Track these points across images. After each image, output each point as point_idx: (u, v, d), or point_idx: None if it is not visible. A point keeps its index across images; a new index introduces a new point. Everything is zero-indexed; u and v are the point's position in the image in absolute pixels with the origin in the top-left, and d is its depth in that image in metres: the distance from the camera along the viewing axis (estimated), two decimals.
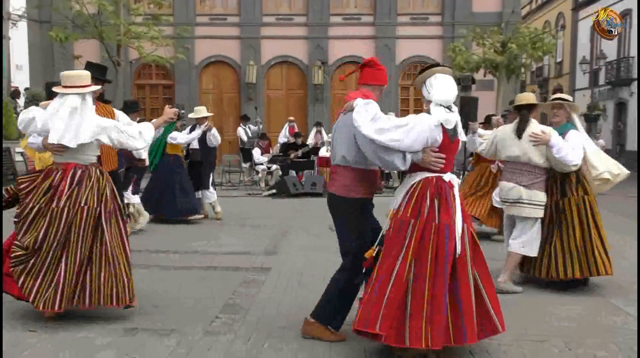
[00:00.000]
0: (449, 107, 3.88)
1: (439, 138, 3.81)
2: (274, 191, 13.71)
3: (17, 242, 4.51)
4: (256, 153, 15.59)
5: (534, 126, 5.39)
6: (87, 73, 4.72)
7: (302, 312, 4.89)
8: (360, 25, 22.10)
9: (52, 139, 4.44)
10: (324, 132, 17.32)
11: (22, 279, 4.46)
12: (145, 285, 5.71)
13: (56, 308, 4.38)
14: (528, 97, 5.71)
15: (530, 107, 5.57)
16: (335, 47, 22.04)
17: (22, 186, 4.57)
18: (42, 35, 20.52)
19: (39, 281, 4.42)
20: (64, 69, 20.45)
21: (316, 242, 7.95)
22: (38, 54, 21.59)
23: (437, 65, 4.11)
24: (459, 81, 17.55)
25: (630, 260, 6.82)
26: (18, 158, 15.38)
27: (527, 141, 5.39)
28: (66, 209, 4.42)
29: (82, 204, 4.45)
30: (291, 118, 18.49)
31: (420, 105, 22.25)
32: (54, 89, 4.63)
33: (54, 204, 4.43)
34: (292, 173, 14.43)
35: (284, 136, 17.49)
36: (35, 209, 4.47)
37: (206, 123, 9.61)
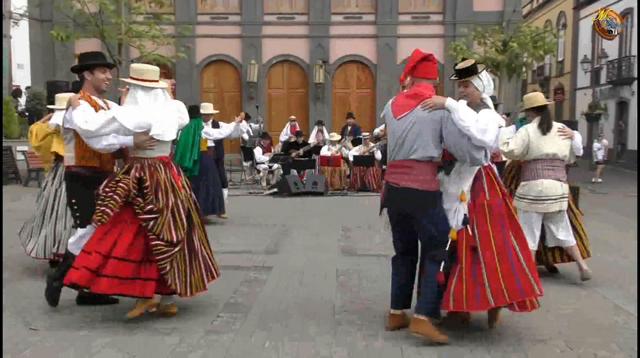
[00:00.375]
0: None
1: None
2: (275, 190, 13.72)
3: (160, 241, 4.43)
4: (257, 151, 15.59)
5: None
6: (156, 68, 4.71)
7: (303, 311, 4.90)
8: (362, 24, 22.10)
9: (157, 133, 4.47)
10: (325, 131, 17.32)
11: (172, 276, 4.51)
12: None
13: (189, 293, 4.65)
14: (542, 97, 5.91)
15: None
16: (337, 46, 22.03)
17: (145, 185, 4.49)
18: (44, 34, 20.54)
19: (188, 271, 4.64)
20: (65, 68, 20.59)
21: (317, 241, 7.96)
22: (39, 53, 21.61)
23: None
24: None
25: (630, 258, 6.82)
26: (19, 156, 15.40)
27: (557, 137, 5.62)
28: (186, 199, 4.66)
29: (190, 193, 4.77)
30: (292, 117, 18.49)
31: None
32: (129, 81, 4.58)
33: (182, 196, 4.60)
34: (294, 172, 14.43)
35: (285, 135, 17.50)
36: (171, 203, 4.53)
37: (240, 115, 9.94)
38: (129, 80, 4.57)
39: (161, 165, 4.58)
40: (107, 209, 4.41)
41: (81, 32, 17.64)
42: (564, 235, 5.76)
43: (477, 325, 4.58)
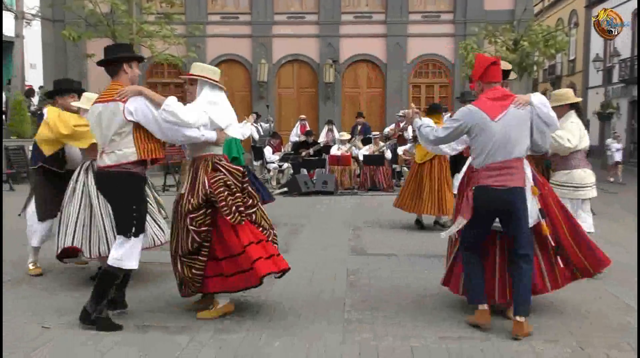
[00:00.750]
0: None
1: None
2: (285, 189, 13.73)
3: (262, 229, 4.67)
4: (267, 151, 15.62)
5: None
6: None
7: (313, 310, 4.91)
8: (372, 24, 22.05)
9: (234, 130, 4.65)
10: (335, 130, 17.31)
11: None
12: (156, 282, 5.75)
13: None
14: (573, 94, 6.23)
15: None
16: (347, 45, 22.01)
17: (245, 179, 4.65)
18: (56, 34, 20.66)
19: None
20: (77, 67, 20.75)
21: (327, 240, 7.96)
22: (51, 53, 21.75)
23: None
24: (470, 80, 17.54)
25: None
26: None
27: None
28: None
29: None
30: (302, 116, 18.49)
31: (430, 103, 22.18)
32: (204, 79, 4.65)
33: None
34: (304, 171, 14.44)
35: (295, 135, 17.50)
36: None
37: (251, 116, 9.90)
38: (203, 78, 4.62)
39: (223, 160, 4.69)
40: (241, 208, 4.48)
41: (93, 32, 17.74)
42: (590, 222, 6.07)
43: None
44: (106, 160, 4.35)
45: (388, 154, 14.53)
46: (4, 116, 17.98)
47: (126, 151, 4.32)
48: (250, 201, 4.63)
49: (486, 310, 4.49)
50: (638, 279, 5.02)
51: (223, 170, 4.54)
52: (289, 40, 22.00)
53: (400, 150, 14.71)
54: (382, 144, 14.94)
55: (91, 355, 3.98)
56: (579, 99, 6.18)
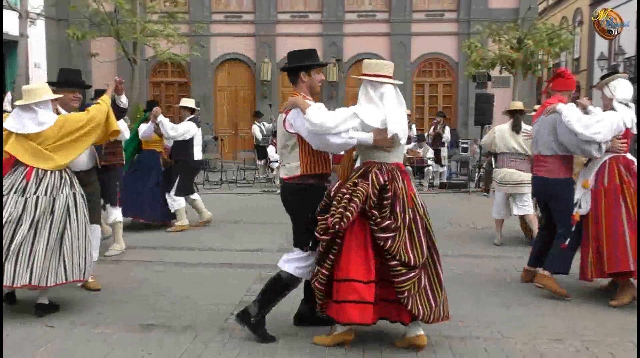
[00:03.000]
0: (627, 104, 5.17)
1: (623, 128, 5.11)
2: None
3: (397, 262, 3.86)
4: (271, 150, 15.60)
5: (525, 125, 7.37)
6: (391, 63, 4.39)
7: None
8: (375, 22, 22.03)
9: (396, 133, 3.93)
10: None
11: (415, 299, 3.91)
12: (160, 281, 5.76)
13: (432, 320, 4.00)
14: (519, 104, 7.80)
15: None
16: (350, 44, 21.99)
17: (387, 195, 3.91)
18: (60, 33, 20.71)
19: (431, 296, 4.02)
20: (81, 67, 20.68)
21: None
22: (55, 52, 21.78)
23: (617, 72, 5.38)
24: (474, 78, 17.50)
25: None
26: None
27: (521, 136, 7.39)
28: (424, 216, 4.11)
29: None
30: None
31: (434, 102, 22.21)
32: (362, 77, 4.21)
33: (421, 212, 4.05)
34: None
35: None
36: (409, 220, 3.95)
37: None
38: (361, 77, 4.21)
39: (399, 173, 4.04)
40: (347, 213, 3.82)
41: (97, 31, 17.76)
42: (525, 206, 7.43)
43: (491, 323, 4.56)
44: (282, 173, 4.27)
45: None
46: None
47: (293, 165, 4.16)
48: (388, 223, 3.87)
49: (530, 270, 5.76)
50: (638, 279, 5.01)
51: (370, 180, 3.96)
52: (293, 39, 21.97)
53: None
54: None
55: (95, 354, 3.99)
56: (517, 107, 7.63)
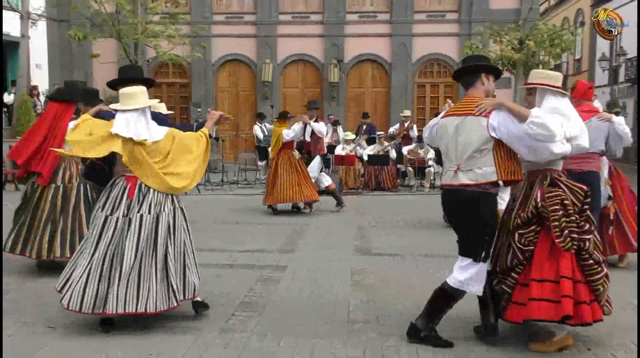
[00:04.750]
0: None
1: None
2: None
3: (593, 261, 3.99)
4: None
5: None
6: (559, 74, 4.39)
7: (318, 310, 4.90)
8: (377, 23, 22.02)
9: (581, 143, 4.11)
10: (340, 130, 17.28)
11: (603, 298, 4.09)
12: None
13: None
14: None
15: None
16: (351, 45, 21.98)
17: (588, 200, 4.07)
18: (61, 34, 20.72)
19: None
20: (82, 68, 20.64)
21: (332, 240, 7.95)
22: (57, 53, 21.80)
23: None
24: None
25: None
26: None
27: None
28: None
29: None
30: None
31: (435, 103, 22.18)
32: (542, 86, 4.17)
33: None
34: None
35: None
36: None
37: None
38: (544, 86, 4.15)
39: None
40: (574, 234, 3.92)
41: (98, 32, 17.77)
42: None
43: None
44: (462, 178, 4.01)
45: (393, 154, 14.49)
46: (9, 116, 18.06)
47: (487, 170, 3.97)
48: (587, 226, 4.02)
49: None
50: (638, 279, 5.00)
51: (563, 186, 4.02)
52: (294, 40, 22.00)
53: (405, 150, 14.68)
54: (386, 144, 14.91)
55: (96, 355, 3.99)
56: None
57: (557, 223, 3.91)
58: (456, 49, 21.29)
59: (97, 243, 4.31)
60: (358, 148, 15.15)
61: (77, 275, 4.29)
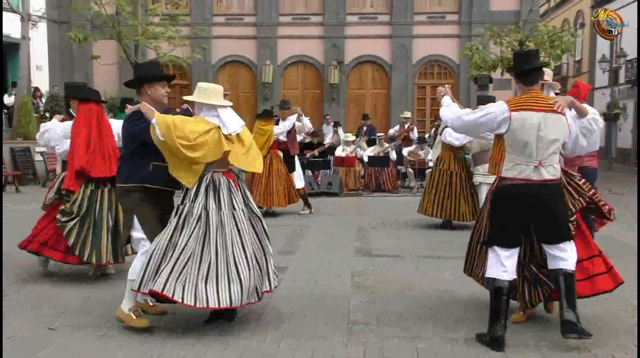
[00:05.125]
0: None
1: None
2: None
3: None
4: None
5: None
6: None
7: (318, 311, 4.90)
8: (377, 25, 22.05)
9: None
10: (340, 131, 17.29)
11: None
12: None
13: None
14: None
15: None
16: (352, 46, 22.00)
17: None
18: (61, 35, 20.73)
19: None
20: (83, 69, 20.68)
21: (332, 242, 7.95)
22: (57, 55, 21.82)
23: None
24: (475, 80, 17.48)
25: None
26: (38, 157, 15.57)
27: None
28: None
29: None
30: (307, 118, 18.45)
31: (435, 104, 22.16)
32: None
33: None
34: (308, 172, 14.43)
35: (299, 136, 17.47)
36: None
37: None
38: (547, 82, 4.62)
39: None
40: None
41: (98, 34, 17.79)
42: None
43: None
44: (545, 174, 4.12)
45: (393, 156, 14.50)
46: (9, 118, 18.06)
47: (557, 168, 4.23)
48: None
49: None
50: (638, 279, 5.01)
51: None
52: (294, 41, 22.03)
53: (405, 151, 14.69)
54: (387, 145, 14.92)
55: (96, 356, 3.99)
56: None
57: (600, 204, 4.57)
58: (456, 50, 21.31)
59: (206, 240, 4.28)
60: (358, 149, 15.16)
61: (192, 271, 4.22)
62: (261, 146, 9.34)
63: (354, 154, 14.81)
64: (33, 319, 4.67)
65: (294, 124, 10.38)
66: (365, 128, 16.93)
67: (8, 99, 18.24)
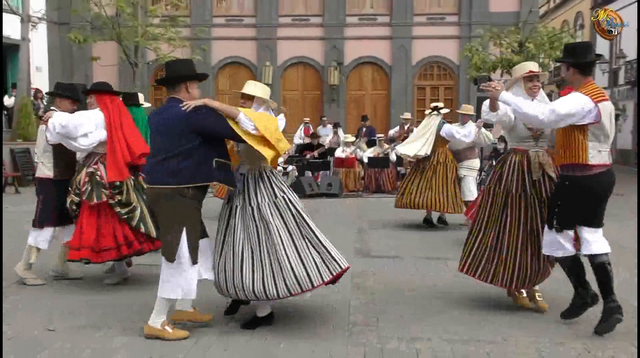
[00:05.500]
0: None
1: None
2: None
3: None
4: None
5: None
6: None
7: (318, 312, 4.90)
8: (377, 26, 22.05)
9: None
10: (340, 132, 17.30)
11: None
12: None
13: None
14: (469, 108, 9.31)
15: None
16: (351, 47, 22.01)
17: None
18: (61, 37, 20.75)
19: None
20: (83, 70, 20.69)
21: (332, 242, 7.91)
22: (57, 56, 21.83)
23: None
24: (475, 81, 17.49)
25: None
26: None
27: None
28: None
29: None
30: (307, 119, 18.49)
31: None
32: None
33: None
34: (308, 173, 14.44)
35: (299, 137, 17.50)
36: None
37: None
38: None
39: None
40: None
41: (98, 35, 17.80)
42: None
43: (493, 327, 4.55)
44: (610, 158, 4.52)
45: (393, 157, 14.51)
46: (9, 119, 18.05)
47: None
48: None
49: None
50: (638, 279, 5.01)
51: None
52: (294, 42, 22.04)
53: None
54: (386, 146, 14.91)
55: (97, 357, 3.98)
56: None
57: None
58: (456, 51, 21.32)
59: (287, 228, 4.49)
60: (358, 150, 15.17)
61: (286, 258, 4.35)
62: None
63: (353, 156, 14.82)
64: (32, 320, 4.66)
65: None
66: (365, 129, 16.93)
67: (8, 101, 18.24)
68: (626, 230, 8.44)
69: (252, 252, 4.37)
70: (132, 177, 5.62)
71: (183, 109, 4.19)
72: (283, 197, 4.50)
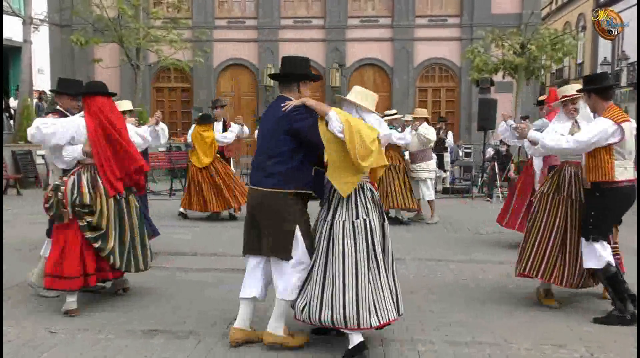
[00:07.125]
0: None
1: None
2: None
3: None
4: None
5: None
6: None
7: None
8: (378, 28, 22.07)
9: None
10: None
11: None
12: (163, 287, 5.75)
13: None
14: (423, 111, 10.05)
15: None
16: (353, 49, 22.04)
17: None
18: (63, 39, 20.79)
19: None
20: (84, 72, 20.76)
21: None
22: (59, 58, 21.87)
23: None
24: (477, 83, 17.48)
25: None
26: (39, 160, 15.58)
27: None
28: None
29: None
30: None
31: (437, 107, 22.19)
32: None
33: None
34: None
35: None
36: None
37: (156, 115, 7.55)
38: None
39: None
40: None
41: (100, 37, 17.84)
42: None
43: (495, 329, 4.54)
44: (635, 173, 4.93)
45: None
46: (11, 121, 18.09)
47: None
48: None
49: None
50: (638, 279, 5.00)
51: None
52: (296, 44, 22.04)
53: (406, 154, 14.65)
54: None
55: None
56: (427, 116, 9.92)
57: None
58: (458, 53, 21.32)
59: (369, 250, 3.94)
60: None
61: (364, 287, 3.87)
62: (205, 152, 9.45)
63: None
64: (33, 322, 4.66)
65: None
66: None
67: (14, 103, 18.29)
68: (626, 229, 8.41)
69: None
70: (121, 195, 4.98)
71: (282, 108, 3.99)
72: (365, 220, 3.97)
